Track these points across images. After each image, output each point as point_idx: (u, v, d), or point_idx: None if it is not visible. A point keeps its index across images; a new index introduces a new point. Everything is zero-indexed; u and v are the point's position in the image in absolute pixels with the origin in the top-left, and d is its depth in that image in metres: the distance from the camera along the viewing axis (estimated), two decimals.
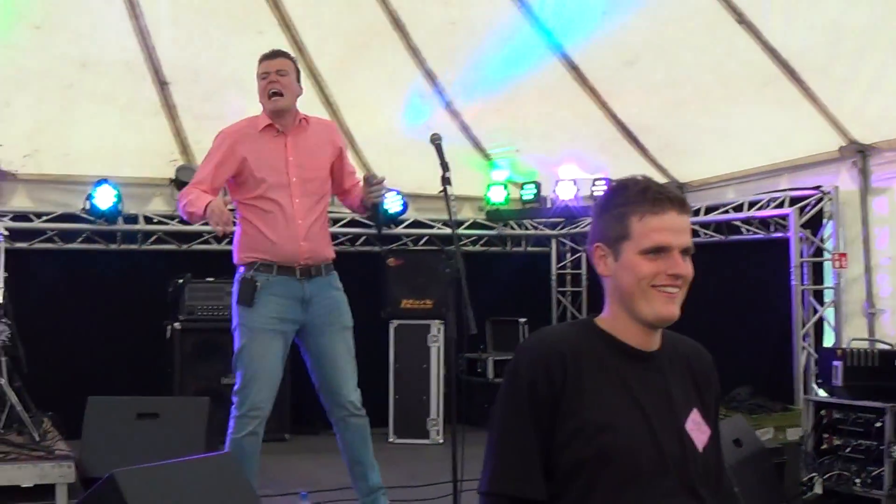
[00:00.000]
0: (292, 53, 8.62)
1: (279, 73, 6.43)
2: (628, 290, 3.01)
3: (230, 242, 6.54)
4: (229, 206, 6.13)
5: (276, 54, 6.55)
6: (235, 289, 6.38)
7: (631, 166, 9.98)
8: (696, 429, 3.07)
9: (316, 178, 6.46)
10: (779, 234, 9.52)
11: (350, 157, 6.96)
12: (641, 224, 2.98)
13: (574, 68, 9.72)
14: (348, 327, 6.54)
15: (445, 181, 5.99)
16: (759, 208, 9.61)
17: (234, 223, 6.41)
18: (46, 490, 7.20)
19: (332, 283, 6.52)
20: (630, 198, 3.02)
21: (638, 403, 3.00)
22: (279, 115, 6.43)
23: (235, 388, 6.33)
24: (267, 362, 6.28)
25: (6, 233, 8.39)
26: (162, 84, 9.86)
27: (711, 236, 10.05)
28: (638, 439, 2.95)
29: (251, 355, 6.27)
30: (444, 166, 6.03)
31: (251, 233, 6.40)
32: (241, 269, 6.41)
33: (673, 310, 3.01)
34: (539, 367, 2.98)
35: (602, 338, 3.08)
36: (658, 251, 2.97)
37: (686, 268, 3.01)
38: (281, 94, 6.39)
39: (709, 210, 10.01)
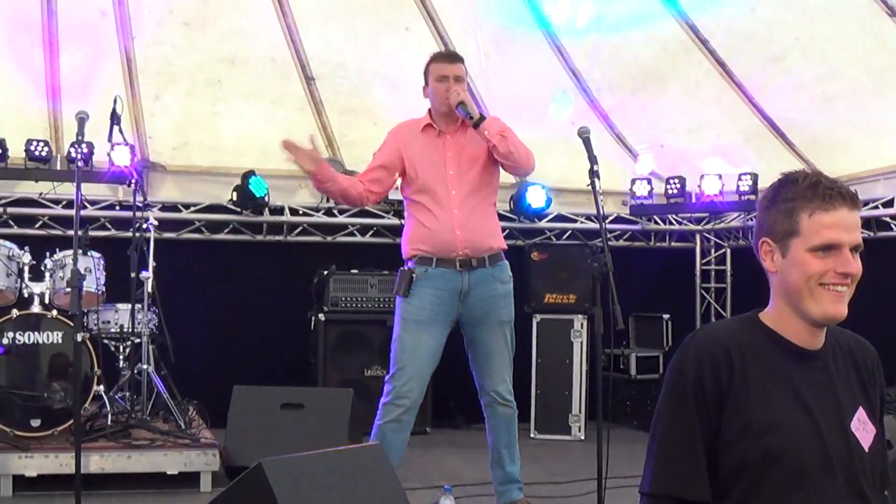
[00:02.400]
0: (438, 49, 8.70)
1: (457, 80, 6.46)
2: (796, 287, 2.92)
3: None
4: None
5: (455, 58, 6.60)
6: (396, 280, 6.49)
7: (777, 161, 9.81)
8: (862, 428, 2.98)
9: (474, 170, 6.47)
10: None
11: None
12: (811, 220, 2.88)
13: (721, 64, 9.58)
14: (505, 322, 6.56)
15: (594, 174, 5.94)
16: None
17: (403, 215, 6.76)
18: (191, 477, 7.35)
19: (495, 275, 6.53)
20: (800, 192, 2.92)
21: (804, 403, 2.92)
22: (446, 117, 6.49)
23: (387, 376, 6.46)
24: (417, 353, 6.37)
25: (155, 223, 8.53)
26: (308, 80, 9.96)
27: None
28: (804, 440, 2.87)
29: (403, 345, 6.39)
30: (593, 160, 5.98)
31: (413, 225, 6.53)
32: (407, 263, 6.52)
33: (841, 309, 2.91)
34: (706, 364, 2.91)
35: (767, 335, 3.00)
36: (828, 248, 2.88)
37: (856, 266, 2.90)
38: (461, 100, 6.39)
39: None
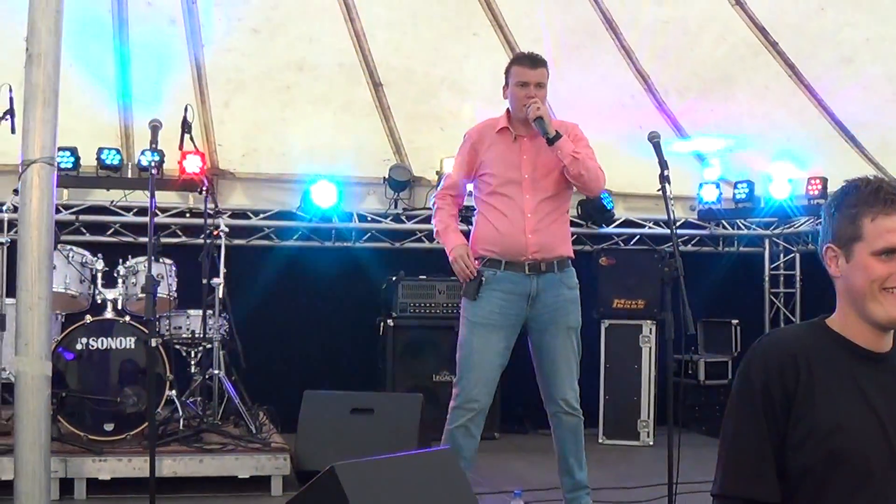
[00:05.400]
0: (505, 55, 8.68)
1: (538, 87, 6.37)
2: (860, 291, 2.94)
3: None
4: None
5: (538, 62, 6.43)
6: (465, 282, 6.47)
7: (847, 165, 9.72)
8: None
9: (549, 177, 6.39)
10: None
11: None
12: (874, 225, 2.91)
13: (790, 66, 9.50)
14: (572, 328, 6.48)
15: (664, 179, 5.90)
16: None
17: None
18: (262, 481, 7.40)
19: (564, 280, 6.46)
20: (862, 198, 2.95)
21: (871, 406, 2.93)
22: (523, 122, 6.39)
23: (455, 379, 6.44)
24: (485, 356, 6.32)
25: (226, 230, 8.60)
26: (376, 85, 10.00)
27: None
28: (870, 442, 2.89)
29: (470, 348, 6.34)
30: (663, 165, 5.93)
31: (484, 227, 6.47)
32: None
33: None
34: (773, 369, 2.95)
35: (834, 339, 3.02)
36: (891, 252, 2.90)
37: None
38: (540, 116, 6.26)
39: None
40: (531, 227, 6.32)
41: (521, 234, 6.32)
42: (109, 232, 10.01)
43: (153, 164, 6.78)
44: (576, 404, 6.49)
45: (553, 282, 6.41)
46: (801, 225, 11.23)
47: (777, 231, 11.68)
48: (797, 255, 11.75)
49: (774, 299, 11.82)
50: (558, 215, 6.49)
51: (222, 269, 8.43)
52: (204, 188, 8.59)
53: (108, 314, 7.84)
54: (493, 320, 6.33)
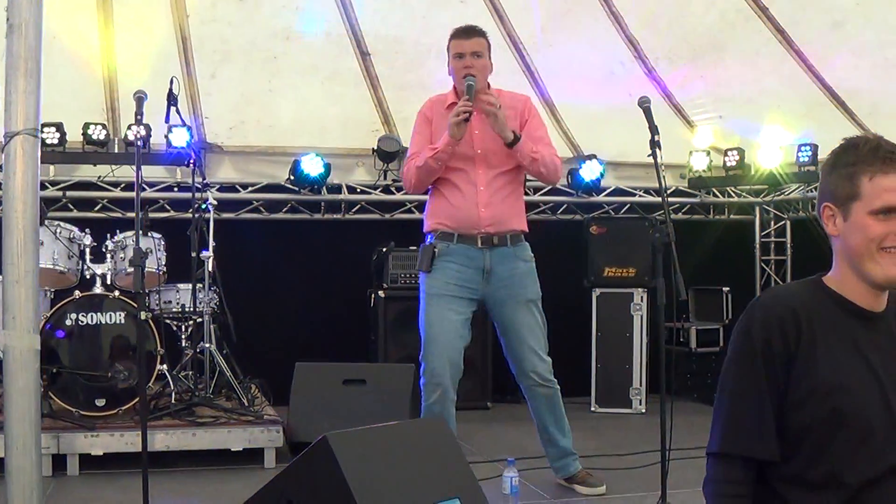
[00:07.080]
0: (493, 22, 8.63)
1: (474, 56, 6.38)
2: (857, 251, 2.94)
3: None
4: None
5: (471, 33, 6.48)
6: (419, 256, 6.50)
7: (838, 131, 9.58)
8: None
9: (502, 151, 6.40)
10: None
11: (550, 125, 6.81)
12: (872, 184, 2.91)
13: (780, 31, 9.46)
14: (532, 300, 6.52)
15: (655, 144, 5.87)
16: None
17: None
18: (255, 453, 7.39)
19: (517, 254, 6.50)
20: (861, 156, 2.95)
21: (869, 364, 2.94)
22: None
23: (420, 355, 6.49)
24: (442, 328, 6.37)
25: (214, 203, 8.56)
26: (364, 55, 9.93)
27: None
28: (869, 401, 2.89)
29: (428, 321, 6.42)
30: (654, 130, 5.90)
31: (438, 201, 6.51)
32: (428, 237, 6.51)
33: None
34: (774, 325, 2.94)
35: (831, 297, 3.03)
36: (889, 211, 2.90)
37: None
38: (473, 77, 6.30)
39: None
40: (484, 200, 6.37)
41: (473, 207, 6.37)
42: (97, 207, 9.94)
43: (139, 138, 6.71)
44: (548, 375, 6.54)
45: (506, 255, 6.45)
46: (792, 192, 11.21)
47: (768, 198, 11.65)
48: (788, 223, 11.74)
49: (765, 266, 11.80)
50: (512, 189, 6.53)
51: (211, 243, 8.40)
52: (192, 161, 8.55)
53: (98, 289, 7.82)
54: (450, 290, 6.41)
